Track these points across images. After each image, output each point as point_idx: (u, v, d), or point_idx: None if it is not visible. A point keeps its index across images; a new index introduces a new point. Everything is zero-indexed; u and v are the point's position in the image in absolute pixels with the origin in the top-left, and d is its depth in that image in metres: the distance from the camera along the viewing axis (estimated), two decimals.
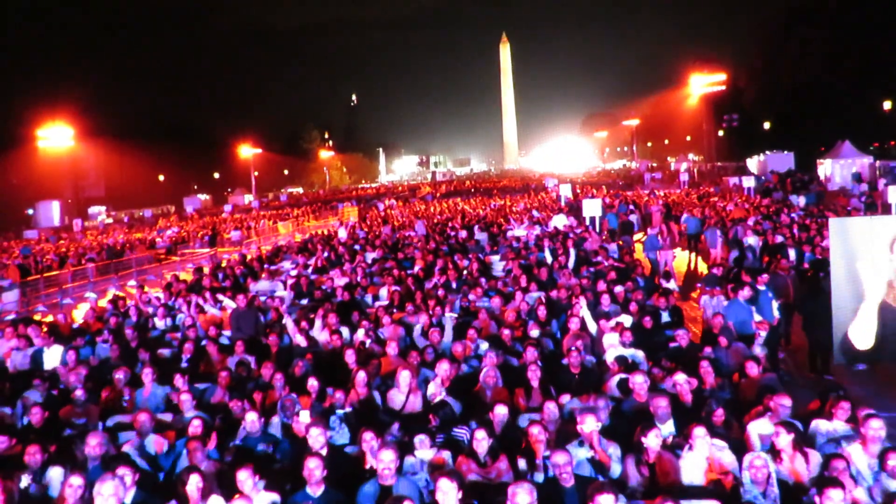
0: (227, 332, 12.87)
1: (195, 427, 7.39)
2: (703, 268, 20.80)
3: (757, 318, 10.88)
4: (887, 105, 52.19)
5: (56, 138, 71.91)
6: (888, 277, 8.33)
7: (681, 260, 21.04)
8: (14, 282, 24.63)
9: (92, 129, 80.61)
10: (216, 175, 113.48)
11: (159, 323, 14.31)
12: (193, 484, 5.92)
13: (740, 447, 6.63)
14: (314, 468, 6.00)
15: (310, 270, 19.41)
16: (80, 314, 17.59)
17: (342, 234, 30.14)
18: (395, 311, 13.05)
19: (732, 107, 75.68)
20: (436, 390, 8.29)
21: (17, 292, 23.30)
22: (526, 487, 5.15)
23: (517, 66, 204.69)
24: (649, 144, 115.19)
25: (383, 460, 5.97)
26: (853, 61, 57.16)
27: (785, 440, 6.16)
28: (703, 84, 73.74)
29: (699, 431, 6.22)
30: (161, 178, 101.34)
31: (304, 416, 7.49)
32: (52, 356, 11.88)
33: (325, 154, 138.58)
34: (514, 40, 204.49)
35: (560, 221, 26.31)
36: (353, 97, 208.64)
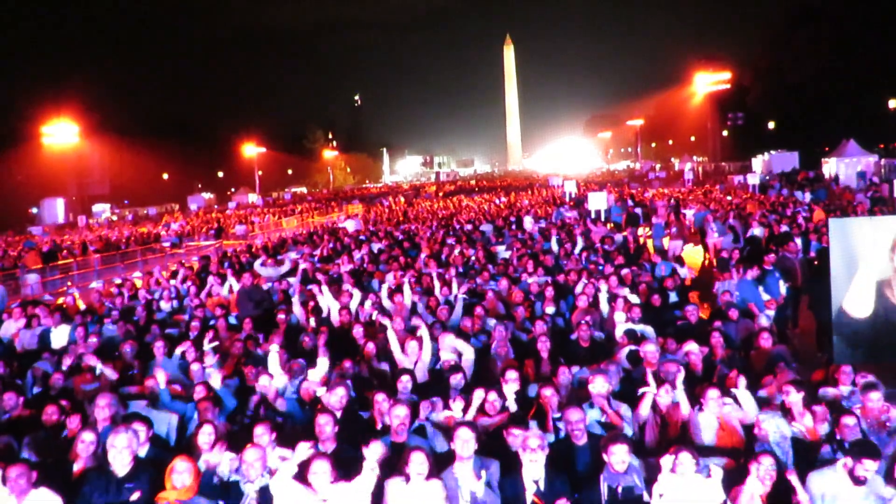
0: (234, 314, 12.90)
1: (201, 391, 7.41)
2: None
3: (764, 296, 10.91)
4: (893, 104, 52.08)
5: (61, 135, 71.86)
6: (889, 278, 8.31)
7: (694, 255, 20.91)
8: (34, 267, 25.02)
9: (97, 127, 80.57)
10: (220, 174, 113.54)
11: (165, 305, 14.36)
12: (206, 434, 5.94)
13: None
14: (324, 424, 6.01)
15: (315, 259, 19.44)
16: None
17: (350, 226, 30.15)
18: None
19: (737, 106, 75.50)
20: (448, 358, 8.26)
21: (37, 277, 23.69)
22: (536, 432, 5.16)
23: (521, 67, 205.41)
24: (653, 145, 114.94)
25: (398, 416, 5.98)
26: (859, 60, 57.05)
27: (796, 398, 6.17)
28: (707, 83, 73.52)
29: (712, 394, 6.23)
30: (165, 176, 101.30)
31: (313, 375, 7.50)
32: (60, 335, 11.91)
33: (328, 154, 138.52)
34: (518, 42, 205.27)
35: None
36: (357, 97, 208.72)
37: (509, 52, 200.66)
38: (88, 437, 6.03)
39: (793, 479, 5.09)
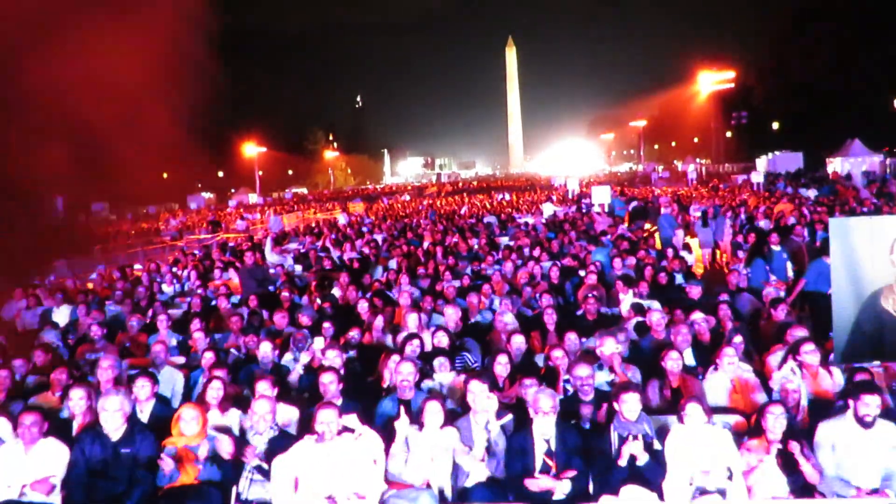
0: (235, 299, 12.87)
1: (208, 359, 7.36)
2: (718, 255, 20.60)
3: (772, 277, 10.89)
4: None
5: None
6: (888, 279, 8.26)
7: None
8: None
9: None
10: (220, 174, 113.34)
11: (167, 288, 14.37)
12: (215, 390, 5.89)
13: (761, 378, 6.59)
14: (329, 383, 5.96)
15: (318, 248, 19.43)
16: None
17: (341, 220, 30.36)
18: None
19: (741, 105, 75.26)
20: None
21: (64, 262, 23.86)
22: (548, 392, 5.12)
23: (523, 69, 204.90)
24: (656, 147, 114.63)
25: (402, 372, 5.92)
26: (864, 59, 56.92)
27: (814, 357, 6.12)
28: (711, 82, 73.24)
29: (729, 352, 6.17)
30: (165, 175, 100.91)
31: (319, 343, 7.45)
32: (62, 315, 11.88)
33: (329, 154, 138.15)
34: (520, 44, 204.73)
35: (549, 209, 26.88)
36: (359, 98, 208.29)
37: (511, 55, 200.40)
38: (77, 393, 5.94)
39: (795, 451, 4.97)
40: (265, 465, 5.20)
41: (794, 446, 4.90)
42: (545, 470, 5.07)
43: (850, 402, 5.07)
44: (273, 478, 5.09)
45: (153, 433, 5.54)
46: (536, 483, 4.98)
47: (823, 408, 5.74)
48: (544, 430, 5.20)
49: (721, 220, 21.17)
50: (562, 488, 4.93)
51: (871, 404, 4.96)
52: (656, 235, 20.73)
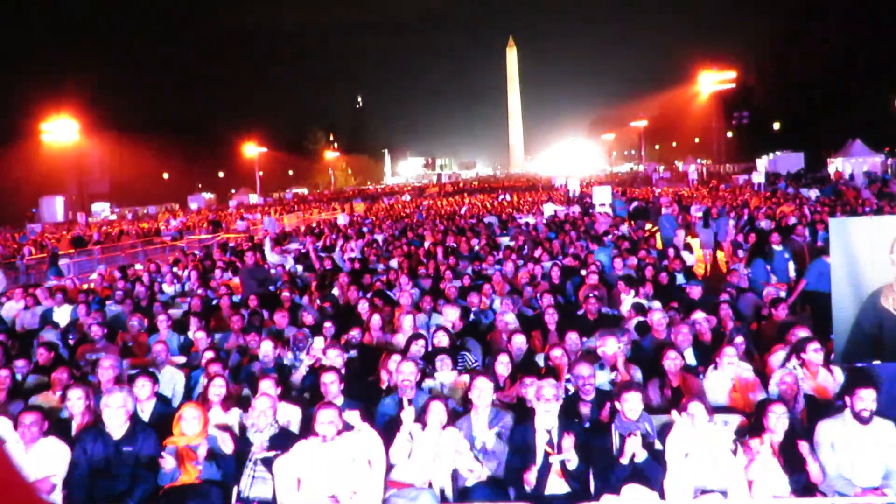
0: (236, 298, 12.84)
1: (208, 358, 7.32)
2: (720, 255, 20.60)
3: (772, 278, 10.88)
4: None
5: (61, 132, 71.13)
6: (888, 279, 8.24)
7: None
8: (66, 252, 25.37)
9: (97, 124, 79.89)
10: (221, 174, 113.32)
11: (168, 288, 14.33)
12: (218, 387, 5.87)
13: (761, 378, 6.57)
14: (330, 383, 5.94)
15: (318, 247, 19.42)
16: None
17: (341, 220, 30.37)
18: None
19: (742, 105, 75.26)
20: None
21: (69, 262, 23.97)
22: (550, 381, 5.10)
23: (524, 69, 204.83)
24: (657, 147, 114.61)
25: (403, 372, 5.90)
26: (865, 59, 56.90)
27: (818, 356, 6.10)
28: (712, 82, 73.13)
29: (729, 351, 6.15)
30: (165, 175, 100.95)
31: (319, 343, 7.43)
32: (62, 315, 11.85)
33: (330, 155, 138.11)
34: (521, 44, 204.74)
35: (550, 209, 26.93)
36: (359, 99, 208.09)
37: (512, 54, 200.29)
38: (75, 393, 5.93)
39: (804, 451, 4.96)
40: (269, 454, 5.18)
41: (804, 446, 4.89)
42: (546, 463, 5.05)
43: (847, 399, 5.07)
44: (276, 478, 5.06)
45: (155, 431, 5.53)
46: (533, 476, 4.95)
47: (824, 408, 5.73)
48: (546, 421, 5.19)
49: (724, 221, 21.14)
50: (568, 457, 4.92)
51: (866, 398, 4.98)
52: (657, 235, 20.71)
